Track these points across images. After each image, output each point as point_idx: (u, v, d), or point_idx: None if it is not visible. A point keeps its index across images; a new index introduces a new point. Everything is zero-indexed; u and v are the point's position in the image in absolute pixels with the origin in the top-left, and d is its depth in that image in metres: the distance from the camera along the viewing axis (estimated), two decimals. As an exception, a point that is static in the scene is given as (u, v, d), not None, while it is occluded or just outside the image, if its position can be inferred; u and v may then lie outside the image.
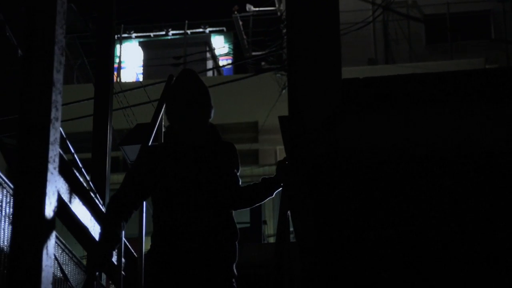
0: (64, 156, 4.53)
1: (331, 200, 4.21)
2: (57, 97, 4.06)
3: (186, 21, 21.32)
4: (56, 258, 5.44)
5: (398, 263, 4.86)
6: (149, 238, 4.37)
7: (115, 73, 19.31)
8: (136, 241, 5.07)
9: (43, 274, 3.62)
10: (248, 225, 10.38)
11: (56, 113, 4.04)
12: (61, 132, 4.43)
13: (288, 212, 4.58)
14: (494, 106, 4.00)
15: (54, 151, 3.96)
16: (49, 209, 3.76)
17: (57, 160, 3.97)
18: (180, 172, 4.17)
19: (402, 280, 5.02)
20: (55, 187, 3.88)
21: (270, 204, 16.08)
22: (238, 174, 4.42)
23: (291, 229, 4.83)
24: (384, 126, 3.91)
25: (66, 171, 4.46)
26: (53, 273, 4.42)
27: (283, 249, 4.33)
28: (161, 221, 4.19)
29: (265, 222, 11.51)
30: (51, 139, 3.94)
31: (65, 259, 5.96)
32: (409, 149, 3.93)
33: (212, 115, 4.43)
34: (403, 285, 5.04)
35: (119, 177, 7.09)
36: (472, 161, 3.96)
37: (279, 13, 19.04)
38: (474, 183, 4.14)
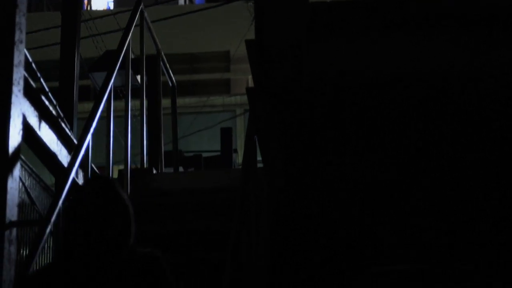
0: (31, 80, 4.48)
1: (297, 124, 4.22)
2: (21, 19, 4.01)
3: None
4: (22, 182, 5.43)
5: (364, 188, 4.91)
6: (116, 167, 3.85)
7: (86, 0, 19.08)
8: (104, 169, 5.06)
9: (8, 196, 3.63)
10: (219, 153, 10.36)
11: (20, 35, 3.99)
12: (27, 56, 4.39)
13: (255, 136, 4.59)
14: (463, 31, 4.00)
15: (19, 74, 3.92)
16: (14, 131, 3.74)
17: (21, 82, 3.93)
18: None
19: (368, 202, 5.08)
20: (20, 110, 3.85)
21: (241, 133, 16.11)
22: None
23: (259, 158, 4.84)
24: (350, 51, 3.91)
25: (32, 94, 4.41)
26: (19, 196, 4.42)
27: (249, 173, 4.35)
28: None
29: (235, 151, 11.49)
30: (15, 61, 3.90)
31: (32, 183, 5.95)
32: (374, 74, 3.93)
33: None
34: (368, 209, 5.11)
35: (89, 106, 7.01)
36: (437, 85, 3.98)
37: None
38: (445, 107, 4.17)
